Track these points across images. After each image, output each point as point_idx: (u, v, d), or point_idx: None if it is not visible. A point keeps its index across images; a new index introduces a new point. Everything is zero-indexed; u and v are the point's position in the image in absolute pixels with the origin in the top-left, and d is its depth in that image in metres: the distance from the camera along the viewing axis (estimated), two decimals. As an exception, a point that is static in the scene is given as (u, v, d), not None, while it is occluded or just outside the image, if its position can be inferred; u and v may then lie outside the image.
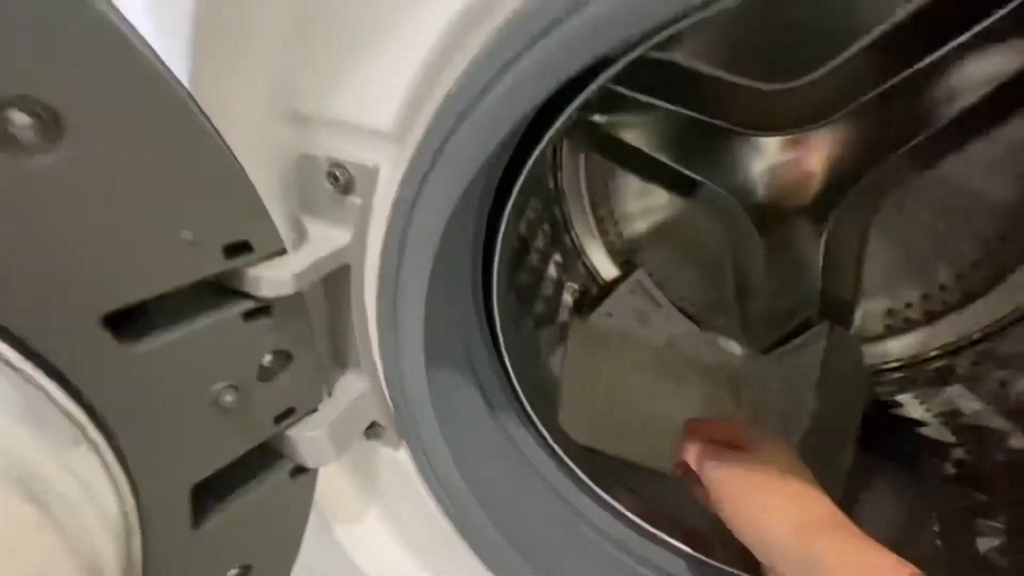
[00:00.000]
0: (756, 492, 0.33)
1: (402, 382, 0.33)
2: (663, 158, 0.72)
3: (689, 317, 0.85)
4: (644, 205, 0.83)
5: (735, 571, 0.42)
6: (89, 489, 0.22)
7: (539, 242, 0.84)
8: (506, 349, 0.43)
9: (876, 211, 0.68)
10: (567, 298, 0.86)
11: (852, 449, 0.54)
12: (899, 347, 0.74)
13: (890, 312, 0.74)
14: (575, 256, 0.88)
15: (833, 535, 0.31)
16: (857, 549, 0.30)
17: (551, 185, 0.84)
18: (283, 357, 0.28)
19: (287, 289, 0.24)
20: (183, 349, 0.23)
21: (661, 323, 0.84)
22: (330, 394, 0.32)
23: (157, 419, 0.23)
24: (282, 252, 0.25)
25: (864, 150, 0.65)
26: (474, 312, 0.40)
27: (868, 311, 0.75)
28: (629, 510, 0.44)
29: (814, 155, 0.67)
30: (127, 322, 0.23)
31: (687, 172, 0.71)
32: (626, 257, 0.87)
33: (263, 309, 0.25)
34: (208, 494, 0.28)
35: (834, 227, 0.69)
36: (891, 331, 0.74)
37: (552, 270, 0.86)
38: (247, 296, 0.25)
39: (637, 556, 0.43)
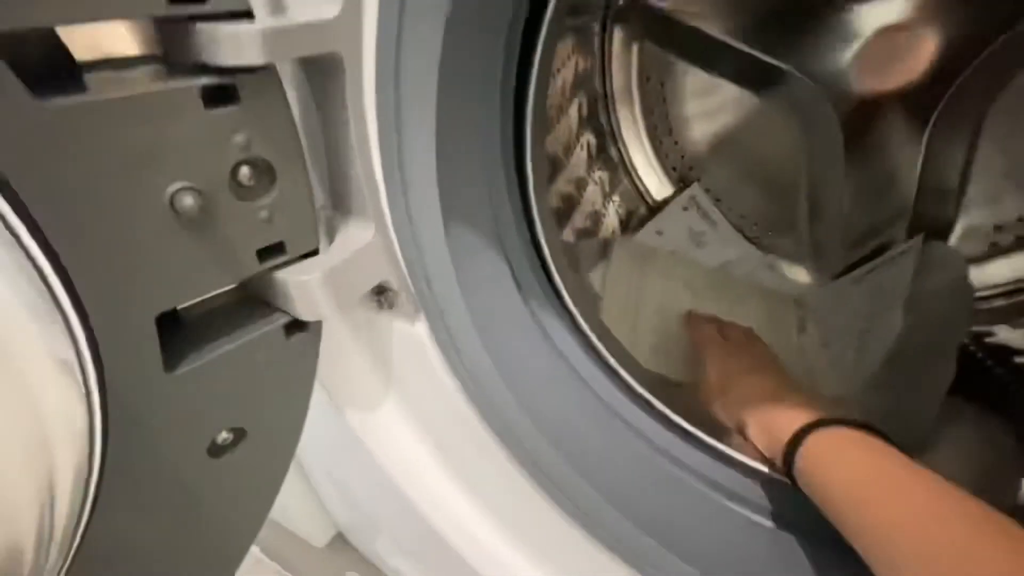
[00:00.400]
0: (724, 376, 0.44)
1: (414, 232, 0.28)
2: (733, 41, 0.61)
3: (749, 239, 0.76)
4: (704, 108, 0.73)
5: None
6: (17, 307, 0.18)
7: (582, 152, 0.76)
8: (540, 221, 0.37)
9: (992, 100, 0.56)
10: (612, 216, 0.78)
11: (952, 368, 0.45)
12: (1005, 270, 0.63)
13: (998, 228, 0.62)
14: (622, 171, 0.80)
15: (754, 407, 0.38)
16: (767, 411, 0.37)
17: (598, 86, 0.75)
18: (264, 173, 0.22)
19: (254, 54, 0.19)
20: (117, 122, 0.18)
21: (717, 244, 0.76)
22: (330, 241, 0.27)
23: (98, 215, 0.19)
24: (247, 15, 0.19)
25: (982, 21, 0.53)
26: (503, 171, 0.34)
27: (969, 228, 0.64)
28: (686, 421, 0.39)
29: (920, 27, 0.55)
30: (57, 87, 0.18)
31: (763, 57, 0.60)
32: (680, 172, 0.78)
33: (227, 91, 0.20)
34: (186, 338, 0.24)
35: (939, 122, 0.58)
36: (996, 251, 0.63)
37: (595, 186, 0.78)
38: (205, 70, 0.19)
39: (683, 464, 0.37)
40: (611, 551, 0.34)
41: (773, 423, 0.36)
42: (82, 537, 0.24)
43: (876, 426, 0.32)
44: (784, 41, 0.60)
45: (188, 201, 0.20)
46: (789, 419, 0.35)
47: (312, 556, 0.70)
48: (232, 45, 0.18)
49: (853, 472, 0.29)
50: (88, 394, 0.21)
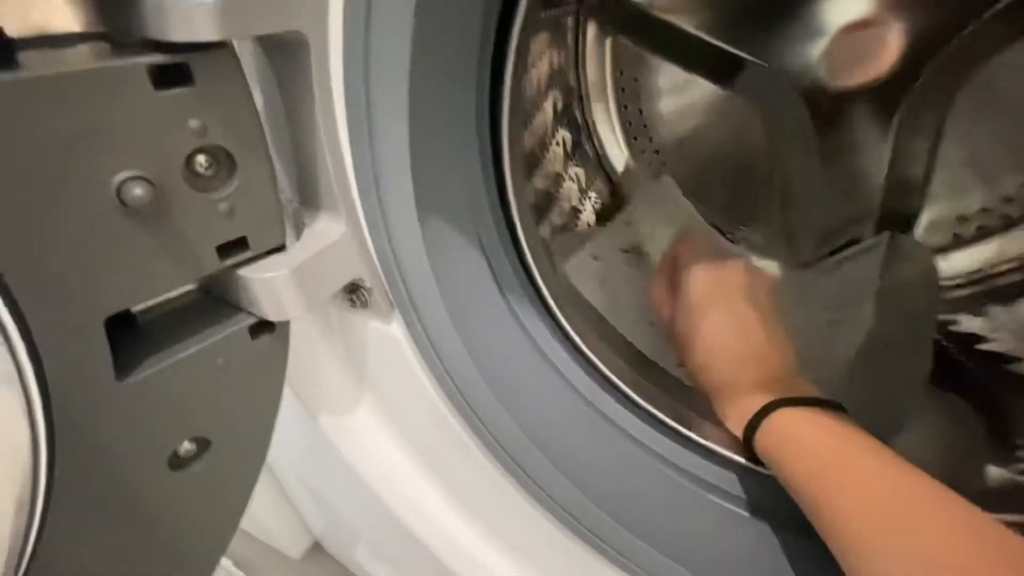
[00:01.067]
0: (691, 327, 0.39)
1: (388, 227, 0.27)
2: (705, 35, 0.62)
3: (721, 232, 0.77)
4: (677, 104, 0.74)
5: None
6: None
7: (558, 148, 0.75)
8: (519, 216, 0.36)
9: (956, 93, 0.58)
10: (589, 212, 0.78)
11: (929, 359, 0.46)
12: (967, 260, 0.65)
13: (961, 219, 0.64)
14: (598, 166, 0.80)
15: (719, 372, 0.37)
16: (736, 383, 0.36)
17: (572, 82, 0.75)
18: (223, 163, 0.21)
19: (207, 30, 0.17)
20: (54, 103, 0.16)
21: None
22: (298, 237, 0.26)
23: (35, 207, 0.17)
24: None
25: (946, 15, 0.55)
26: (479, 163, 0.33)
27: (934, 220, 0.65)
28: (668, 417, 0.38)
29: (888, 21, 0.56)
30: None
31: (734, 51, 0.61)
32: (654, 167, 0.78)
33: (179, 71, 0.18)
34: (142, 343, 0.23)
35: (906, 115, 0.59)
36: (959, 241, 0.65)
37: (572, 182, 0.78)
38: (154, 47, 0.18)
39: (664, 458, 0.36)
40: (594, 549, 0.34)
41: (737, 392, 0.35)
42: (29, 563, 0.22)
43: (842, 404, 0.33)
44: (755, 36, 0.61)
45: (137, 192, 0.18)
46: (754, 392, 0.34)
47: (288, 567, 0.67)
48: (183, 19, 0.17)
49: (815, 454, 0.29)
50: (30, 407, 0.19)
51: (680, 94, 0.73)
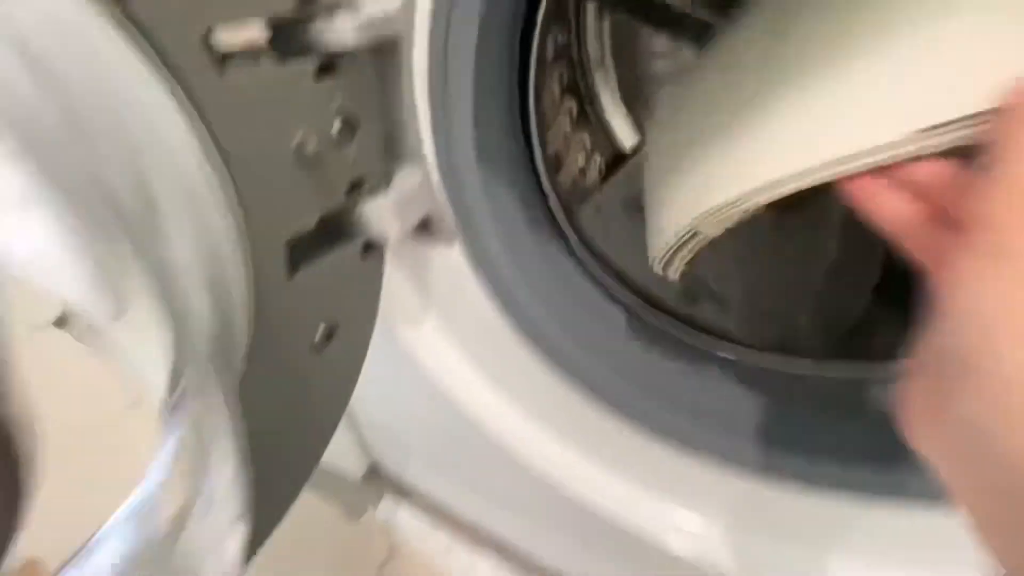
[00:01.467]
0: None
1: (455, 174, 0.37)
2: (689, 9, 0.70)
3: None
4: (669, 71, 0.82)
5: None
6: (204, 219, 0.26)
7: (565, 118, 0.84)
8: (544, 167, 0.46)
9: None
10: (595, 171, 0.87)
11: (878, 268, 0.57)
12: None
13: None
14: (601, 131, 0.88)
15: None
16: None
17: (575, 56, 0.83)
18: (350, 126, 0.31)
19: (348, 39, 0.27)
20: (266, 91, 0.26)
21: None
22: (389, 183, 0.36)
23: (256, 162, 0.27)
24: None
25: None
26: (511, 126, 0.42)
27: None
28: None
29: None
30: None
31: (711, 20, 0.69)
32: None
33: (329, 67, 0.28)
34: (294, 254, 0.33)
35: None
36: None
37: (579, 146, 0.86)
38: (311, 51, 0.27)
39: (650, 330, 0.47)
40: (627, 419, 0.44)
41: None
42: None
43: None
44: (731, 7, 0.69)
45: (311, 147, 0.28)
46: None
47: (349, 486, 0.79)
48: (336, 36, 0.26)
49: None
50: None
51: (671, 62, 0.81)
